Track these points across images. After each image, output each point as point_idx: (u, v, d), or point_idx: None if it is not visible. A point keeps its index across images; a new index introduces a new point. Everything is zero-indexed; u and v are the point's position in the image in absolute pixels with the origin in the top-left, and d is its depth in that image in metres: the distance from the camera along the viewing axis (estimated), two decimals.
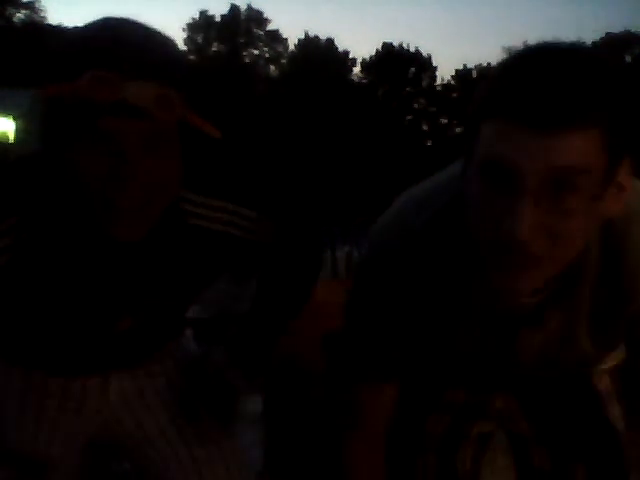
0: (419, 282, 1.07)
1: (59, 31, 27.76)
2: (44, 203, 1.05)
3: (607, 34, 42.93)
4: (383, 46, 42.72)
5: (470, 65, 44.54)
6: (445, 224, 1.04)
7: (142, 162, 0.95)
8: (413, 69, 42.69)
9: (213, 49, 42.98)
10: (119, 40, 0.95)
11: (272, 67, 43.80)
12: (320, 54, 40.78)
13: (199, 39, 42.80)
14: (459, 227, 0.99)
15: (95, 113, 0.93)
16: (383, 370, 1.16)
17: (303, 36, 42.67)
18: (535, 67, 0.84)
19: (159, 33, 1.00)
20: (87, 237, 1.05)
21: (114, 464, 1.96)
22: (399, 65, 41.82)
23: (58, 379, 1.30)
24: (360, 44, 57.62)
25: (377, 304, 1.11)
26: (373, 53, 43.22)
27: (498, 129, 0.84)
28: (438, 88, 43.52)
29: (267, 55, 43.98)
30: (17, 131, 12.90)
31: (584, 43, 0.91)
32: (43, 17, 35.19)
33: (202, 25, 43.11)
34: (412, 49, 42.87)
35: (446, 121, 43.59)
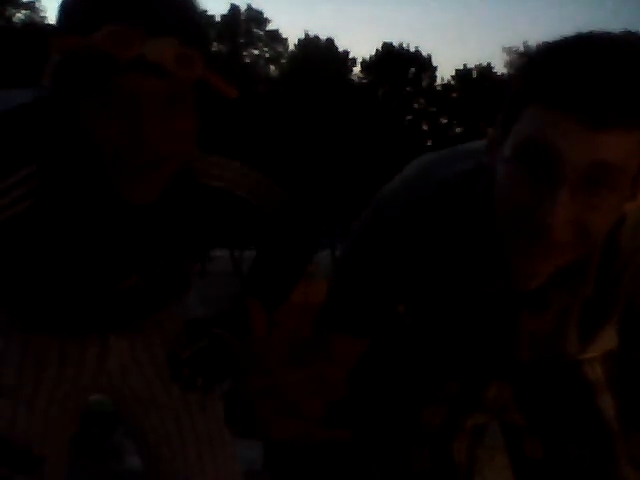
0: (422, 252, 1.07)
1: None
2: (59, 155, 1.02)
3: None
4: (383, 46, 42.65)
5: (470, 65, 44.40)
6: (459, 197, 1.03)
7: (158, 122, 0.92)
8: (413, 69, 42.59)
9: (213, 49, 42.90)
10: None
11: (272, 67, 43.78)
12: (320, 54, 40.69)
13: None
14: (474, 202, 1.00)
15: (112, 70, 0.88)
16: (362, 327, 1.17)
17: (303, 36, 42.63)
18: (589, 59, 0.84)
19: None
20: (99, 196, 1.03)
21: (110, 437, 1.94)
22: (399, 65, 41.73)
23: (57, 342, 1.28)
24: (360, 44, 57.70)
25: (374, 268, 1.11)
26: (373, 53, 43.19)
27: (545, 115, 0.84)
28: (438, 88, 43.41)
29: (267, 55, 43.92)
30: None
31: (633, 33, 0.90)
32: (43, 17, 35.12)
33: None
34: (412, 49, 42.82)
35: (446, 121, 43.51)
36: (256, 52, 43.92)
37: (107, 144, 0.93)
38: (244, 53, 43.46)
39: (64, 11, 0.94)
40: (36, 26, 31.70)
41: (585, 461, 1.24)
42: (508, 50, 41.33)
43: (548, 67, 0.86)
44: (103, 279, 1.16)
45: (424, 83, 43.08)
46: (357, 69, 43.10)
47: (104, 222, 1.08)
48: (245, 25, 43.78)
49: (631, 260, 1.02)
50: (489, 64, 42.81)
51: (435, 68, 43.31)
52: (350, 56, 42.98)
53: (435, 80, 43.58)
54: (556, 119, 0.84)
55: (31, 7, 35.77)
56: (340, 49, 42.64)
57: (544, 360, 1.20)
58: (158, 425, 1.35)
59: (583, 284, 1.04)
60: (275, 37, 43.99)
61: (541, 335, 1.11)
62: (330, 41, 42.56)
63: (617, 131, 0.82)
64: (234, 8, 43.34)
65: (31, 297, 1.21)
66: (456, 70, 43.74)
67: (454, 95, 42.83)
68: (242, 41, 43.41)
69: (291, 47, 43.16)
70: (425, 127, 43.28)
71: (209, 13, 43.19)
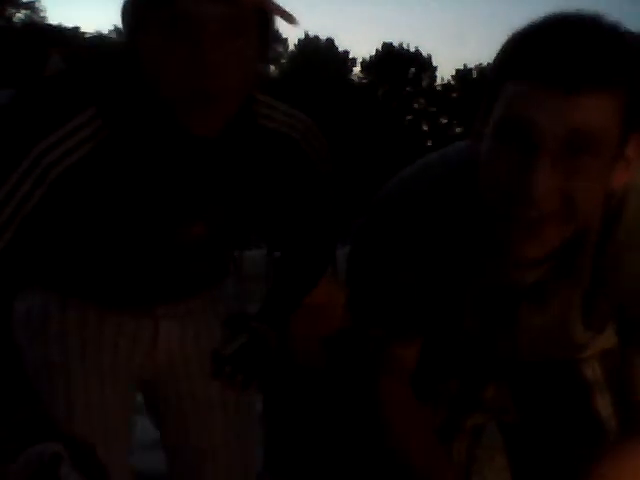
0: (422, 249, 1.07)
1: (59, 31, 27.70)
2: (122, 93, 1.03)
3: None
4: (383, 46, 42.69)
5: (470, 65, 44.43)
6: (451, 190, 1.04)
7: (220, 48, 0.93)
8: (413, 69, 42.63)
9: None
10: None
11: (272, 67, 43.78)
12: (320, 54, 40.71)
13: None
14: (466, 193, 1.00)
15: None
16: (394, 327, 1.15)
17: (303, 36, 42.66)
18: (557, 32, 0.86)
19: None
20: (163, 130, 1.03)
21: None
22: (399, 65, 41.76)
23: (112, 327, 1.25)
24: (360, 44, 57.71)
25: (378, 270, 1.11)
26: (373, 53, 43.26)
27: (520, 90, 0.86)
28: (438, 88, 43.47)
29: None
30: None
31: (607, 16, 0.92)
32: (43, 17, 35.09)
33: None
34: (412, 49, 42.87)
35: (446, 121, 43.55)
36: None
37: (170, 71, 0.94)
38: None
39: None
40: (36, 26, 31.66)
41: (584, 461, 1.24)
42: None
43: (517, 45, 0.89)
44: (169, 222, 1.14)
45: (424, 83, 43.11)
46: (357, 69, 43.24)
47: (168, 159, 1.08)
48: None
49: (621, 255, 1.01)
50: (489, 64, 42.63)
51: (435, 68, 43.42)
52: (350, 56, 43.10)
53: (435, 80, 43.67)
54: (528, 91, 0.85)
55: (31, 7, 35.74)
56: (340, 49, 42.76)
57: (547, 358, 1.20)
58: (191, 418, 1.34)
59: (580, 275, 1.04)
60: (275, 37, 43.87)
61: (543, 331, 1.11)
62: (330, 41, 42.60)
63: (588, 95, 0.83)
64: None
65: (91, 257, 1.17)
66: (456, 70, 43.88)
67: (454, 95, 42.86)
68: None
69: (291, 47, 43.24)
70: (425, 127, 43.32)
71: None
